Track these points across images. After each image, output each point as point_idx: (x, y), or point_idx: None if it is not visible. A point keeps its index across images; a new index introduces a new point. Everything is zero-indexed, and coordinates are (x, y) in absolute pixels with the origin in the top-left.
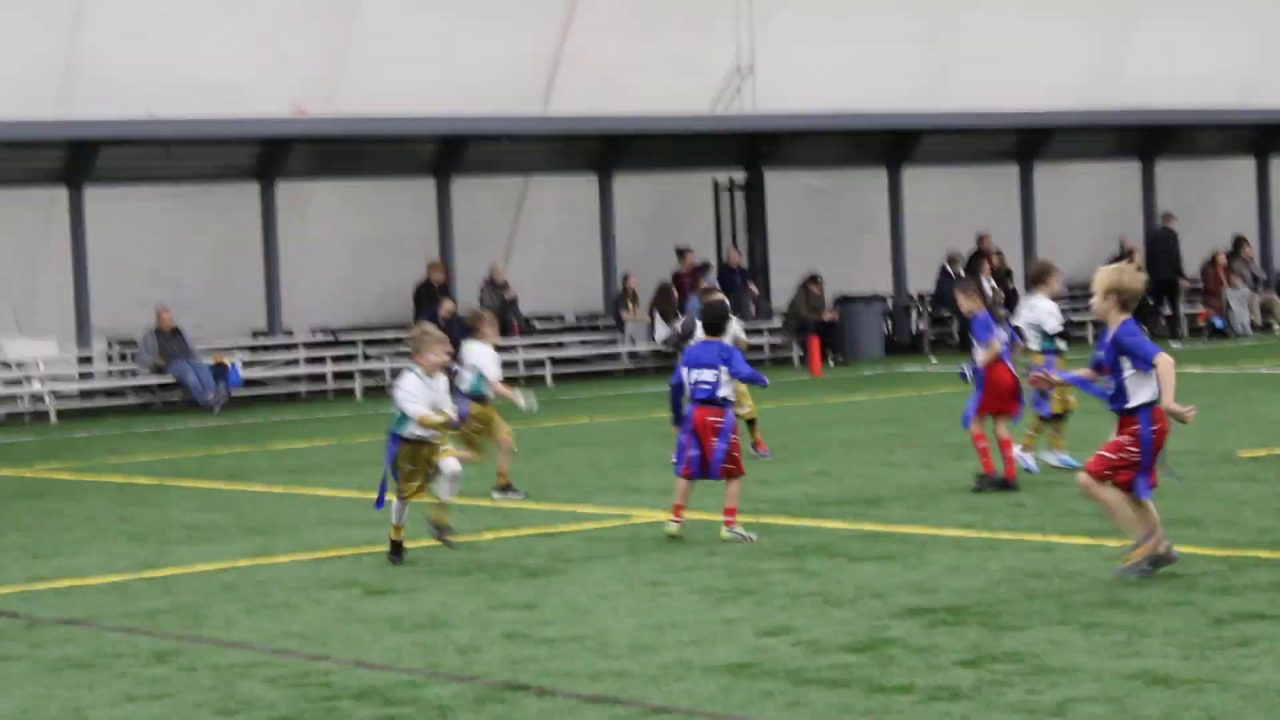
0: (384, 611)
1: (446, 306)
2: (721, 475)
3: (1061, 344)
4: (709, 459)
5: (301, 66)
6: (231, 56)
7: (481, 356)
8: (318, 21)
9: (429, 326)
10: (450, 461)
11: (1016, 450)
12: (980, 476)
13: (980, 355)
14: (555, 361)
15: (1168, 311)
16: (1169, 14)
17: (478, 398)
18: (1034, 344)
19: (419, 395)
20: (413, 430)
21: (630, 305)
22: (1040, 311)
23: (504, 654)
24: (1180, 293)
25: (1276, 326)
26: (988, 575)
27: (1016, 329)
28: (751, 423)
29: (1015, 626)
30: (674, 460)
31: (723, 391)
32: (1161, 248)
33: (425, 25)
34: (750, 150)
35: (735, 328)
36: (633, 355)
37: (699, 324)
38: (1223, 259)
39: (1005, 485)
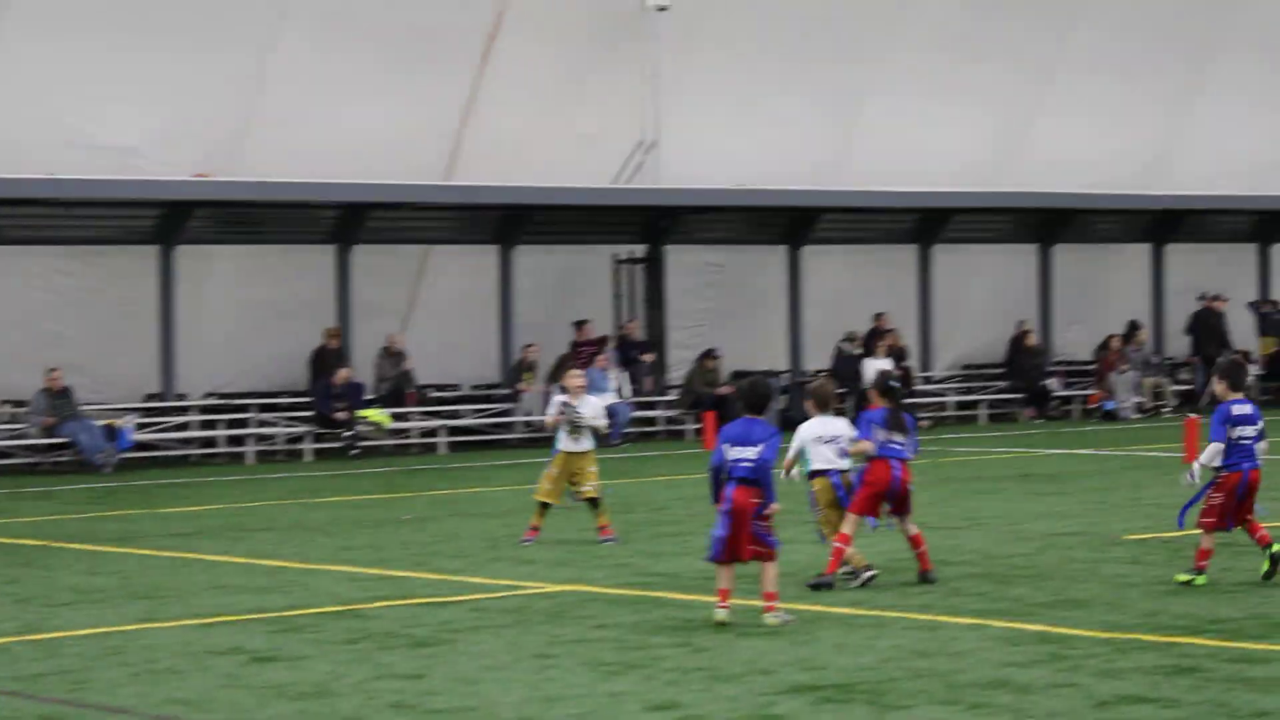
0: (270, 679)
1: (342, 374)
2: (750, 558)
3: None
4: (745, 543)
5: (204, 131)
6: (134, 120)
7: None
8: (221, 86)
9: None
10: None
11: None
12: (849, 573)
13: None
14: (450, 430)
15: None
16: (1070, 100)
17: None
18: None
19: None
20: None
21: (528, 376)
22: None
23: None
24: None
25: (1167, 410)
26: (875, 653)
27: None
28: (594, 502)
29: (901, 705)
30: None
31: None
32: (1205, 325)
33: (329, 93)
34: (651, 225)
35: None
36: (528, 425)
37: (741, 403)
38: (1116, 343)
39: (924, 578)
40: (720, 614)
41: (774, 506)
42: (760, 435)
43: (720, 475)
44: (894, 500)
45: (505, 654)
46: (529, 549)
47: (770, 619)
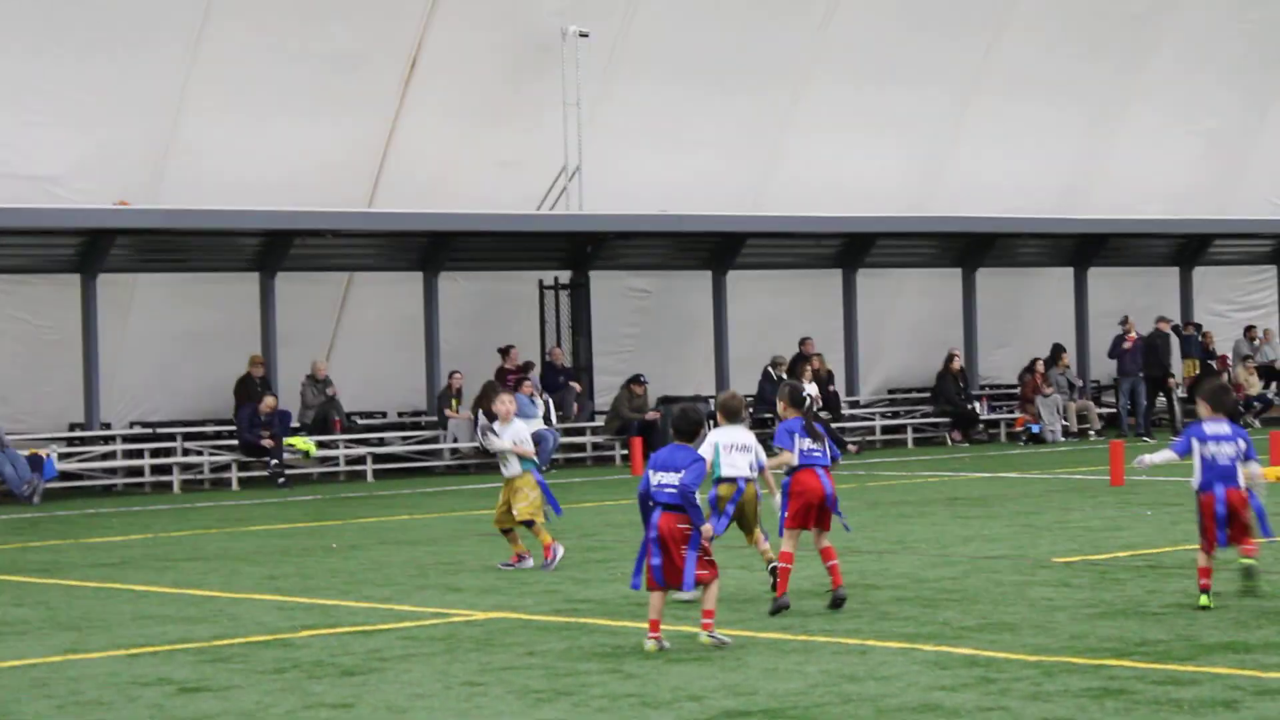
0: (197, 710)
1: (268, 402)
2: (697, 583)
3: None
4: (679, 568)
5: (125, 158)
6: (54, 148)
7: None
8: (142, 113)
9: None
10: None
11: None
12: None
13: (770, 461)
14: (376, 458)
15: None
16: (992, 125)
17: None
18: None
19: None
20: None
21: (454, 403)
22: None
23: None
24: (1172, 390)
25: (1092, 433)
26: (804, 678)
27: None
28: (529, 524)
29: None
30: (634, 575)
31: (683, 501)
32: (1151, 347)
33: (251, 119)
34: (576, 251)
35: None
36: (454, 453)
37: (671, 429)
38: (1041, 366)
39: (836, 600)
40: (649, 644)
41: (705, 528)
42: (684, 461)
43: (647, 502)
44: (823, 508)
45: (434, 682)
46: (457, 576)
47: (704, 637)
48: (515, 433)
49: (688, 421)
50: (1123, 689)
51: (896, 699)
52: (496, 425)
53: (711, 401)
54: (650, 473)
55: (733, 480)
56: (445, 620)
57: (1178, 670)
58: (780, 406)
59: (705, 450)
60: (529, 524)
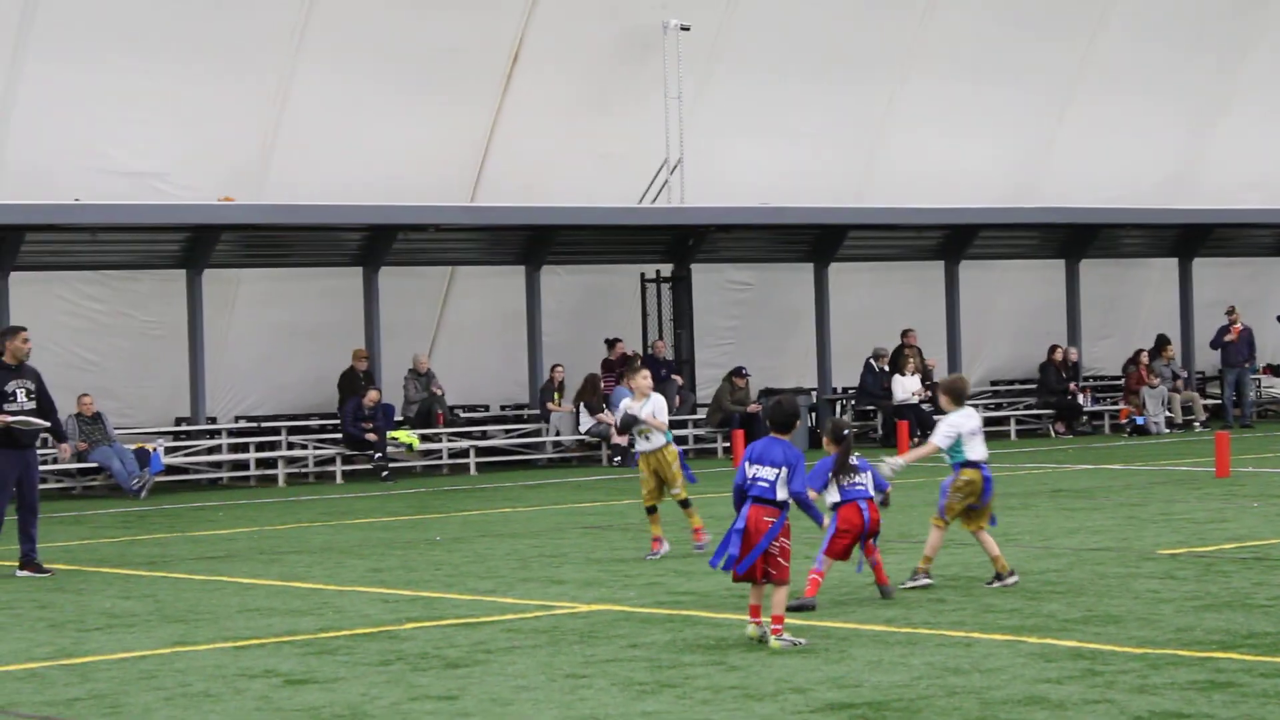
0: (303, 702)
1: (371, 395)
2: (760, 578)
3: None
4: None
5: (229, 155)
6: (159, 145)
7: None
8: (245, 110)
9: None
10: None
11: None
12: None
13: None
14: (479, 451)
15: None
16: (1093, 117)
17: None
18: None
19: None
20: None
21: (556, 396)
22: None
23: None
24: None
25: (1197, 424)
26: (909, 670)
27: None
28: (685, 504)
29: None
30: (715, 554)
31: (781, 494)
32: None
33: (353, 116)
34: (677, 244)
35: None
36: (557, 445)
37: (767, 421)
38: (1145, 358)
39: (883, 592)
40: (751, 629)
41: (824, 522)
42: (780, 456)
43: (742, 493)
44: (865, 539)
45: (538, 674)
46: (560, 568)
47: (775, 643)
48: (654, 405)
49: (783, 413)
50: (1230, 682)
51: (1001, 691)
52: (633, 401)
53: (813, 394)
54: (745, 464)
55: (976, 465)
56: (549, 613)
57: None
58: (825, 442)
59: (943, 438)
60: (685, 504)
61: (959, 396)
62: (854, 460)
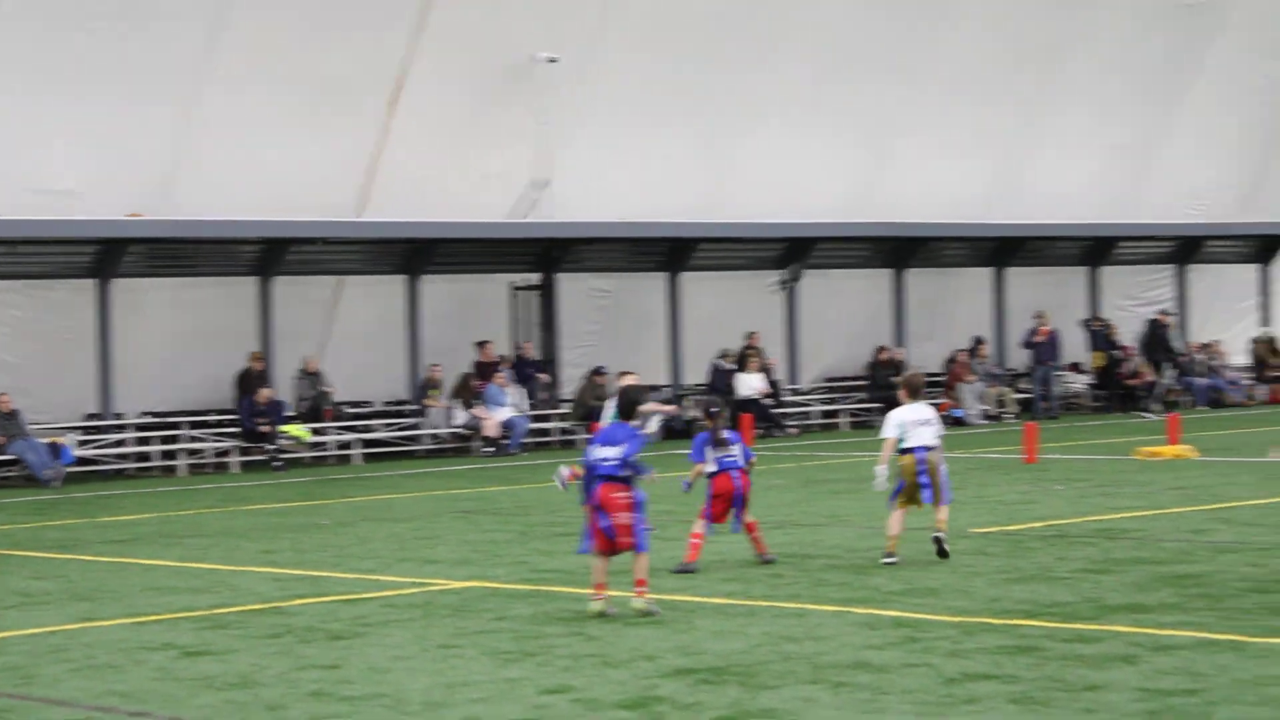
0: (199, 672)
1: (265, 393)
2: (625, 548)
3: None
4: (628, 528)
5: (136, 174)
6: (72, 165)
7: None
8: (152, 133)
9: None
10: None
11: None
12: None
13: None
14: (364, 443)
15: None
16: (920, 138)
17: None
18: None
19: None
20: None
21: (433, 393)
22: None
23: (309, 711)
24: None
25: (1009, 416)
26: (747, 639)
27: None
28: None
29: (771, 685)
30: (583, 540)
31: (625, 470)
32: (1154, 336)
33: (251, 137)
34: (544, 255)
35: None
36: (434, 438)
37: (615, 410)
38: (962, 356)
39: (763, 559)
40: (595, 605)
41: (651, 475)
42: (623, 437)
43: (590, 474)
44: (739, 504)
45: (413, 645)
46: (434, 549)
47: (637, 603)
48: (653, 422)
49: (626, 401)
50: (1034, 646)
51: (831, 657)
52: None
53: (664, 390)
54: (593, 448)
55: (911, 451)
56: (423, 589)
57: (1083, 629)
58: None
59: (891, 429)
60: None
61: (914, 390)
62: (725, 434)
